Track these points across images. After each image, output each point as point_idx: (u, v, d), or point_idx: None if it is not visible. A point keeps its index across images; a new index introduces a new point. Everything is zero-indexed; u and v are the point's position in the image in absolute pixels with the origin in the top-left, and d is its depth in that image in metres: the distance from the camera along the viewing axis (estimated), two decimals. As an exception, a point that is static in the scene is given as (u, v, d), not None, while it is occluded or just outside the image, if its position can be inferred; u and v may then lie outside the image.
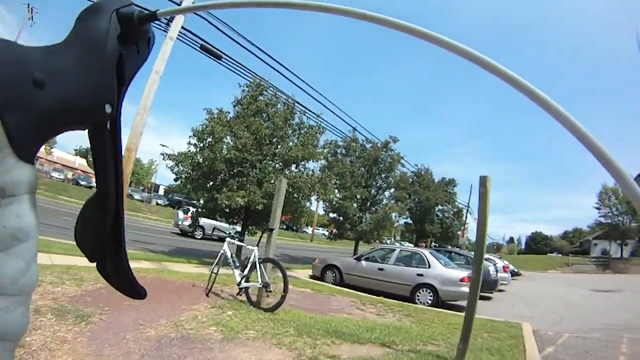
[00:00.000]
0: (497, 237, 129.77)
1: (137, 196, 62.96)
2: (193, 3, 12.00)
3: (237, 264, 9.40)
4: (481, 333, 9.40)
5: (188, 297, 8.66)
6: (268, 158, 16.85)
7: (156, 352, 5.33)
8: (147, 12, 0.71)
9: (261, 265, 8.89)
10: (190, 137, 16.80)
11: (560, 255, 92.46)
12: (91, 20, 0.65)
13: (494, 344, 8.29)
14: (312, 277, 17.83)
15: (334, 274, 17.14)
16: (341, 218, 26.26)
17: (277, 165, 17.25)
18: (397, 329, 8.60)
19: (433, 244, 48.36)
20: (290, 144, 17.41)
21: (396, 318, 10.40)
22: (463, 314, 12.62)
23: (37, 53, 0.56)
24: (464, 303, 14.78)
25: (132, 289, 0.82)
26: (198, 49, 15.46)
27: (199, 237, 28.86)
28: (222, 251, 9.51)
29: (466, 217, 54.07)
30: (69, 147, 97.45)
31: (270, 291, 8.71)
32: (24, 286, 0.53)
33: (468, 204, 55.38)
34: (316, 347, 6.27)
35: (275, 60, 19.56)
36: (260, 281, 8.72)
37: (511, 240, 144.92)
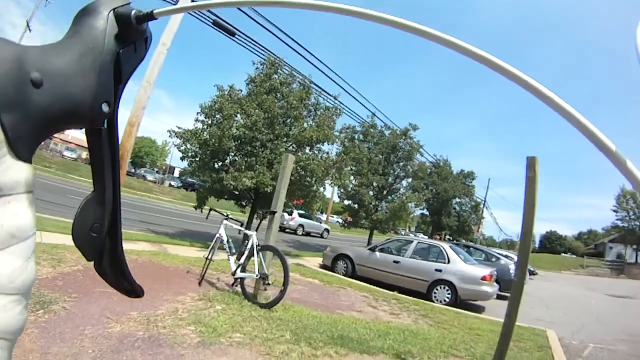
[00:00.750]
0: (512, 234, 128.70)
1: (150, 177, 63.15)
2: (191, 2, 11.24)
3: (234, 251, 8.35)
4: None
5: (177, 286, 7.75)
6: (280, 138, 15.85)
7: (111, 355, 4.37)
8: (144, 11, 0.70)
9: (259, 253, 7.90)
10: (197, 113, 16.04)
11: (574, 256, 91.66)
12: (89, 20, 0.66)
13: (522, 358, 7.33)
14: (323, 266, 16.76)
15: (345, 265, 15.98)
16: (356, 206, 25.34)
17: (290, 146, 16.22)
18: (414, 334, 7.47)
19: (447, 237, 47.28)
20: (305, 125, 16.44)
21: (412, 319, 9.29)
22: (483, 315, 11.87)
23: (34, 52, 0.56)
24: (483, 303, 13.76)
25: (130, 286, 0.82)
26: (210, 24, 14.42)
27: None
28: (217, 235, 8.52)
29: (482, 212, 53.03)
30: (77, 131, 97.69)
31: (269, 283, 7.70)
32: (21, 285, 0.53)
33: (485, 198, 54.79)
34: (314, 361, 5.18)
35: (291, 38, 18.31)
36: (257, 271, 7.71)
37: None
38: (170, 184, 65.02)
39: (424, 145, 27.82)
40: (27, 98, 0.53)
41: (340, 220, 38.66)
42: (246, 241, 8.29)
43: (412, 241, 15.75)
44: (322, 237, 40.37)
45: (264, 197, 15.56)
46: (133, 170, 64.57)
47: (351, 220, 26.30)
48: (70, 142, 72.25)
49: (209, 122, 15.76)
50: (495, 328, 9.20)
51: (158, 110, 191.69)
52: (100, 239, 0.74)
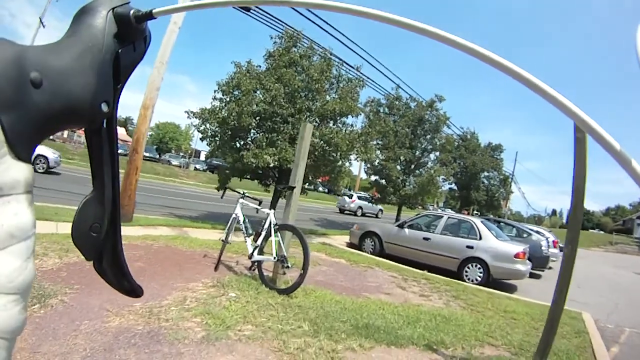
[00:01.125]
0: (539, 209, 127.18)
1: (175, 162, 63.06)
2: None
3: (250, 231, 7.84)
4: (543, 325, 7.74)
5: (190, 272, 7.32)
6: (302, 112, 15.23)
7: (103, 354, 3.93)
8: (143, 11, 0.70)
9: (277, 233, 7.36)
10: (215, 91, 15.50)
11: (602, 232, 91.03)
12: (87, 19, 0.66)
13: (560, 345, 6.65)
14: (350, 244, 16.23)
15: (373, 243, 15.38)
16: (383, 181, 24.77)
17: (313, 120, 15.53)
18: (446, 319, 6.89)
19: (475, 212, 46.50)
20: (328, 97, 15.79)
21: (443, 301, 8.70)
22: (516, 296, 11.17)
23: (33, 52, 0.56)
24: (515, 282, 13.11)
25: (129, 286, 0.81)
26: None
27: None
28: (233, 215, 8.04)
29: (510, 186, 52.11)
30: None
31: (288, 267, 7.11)
32: (20, 284, 0.52)
33: (513, 172, 53.84)
34: (335, 358, 4.63)
35: (310, 10, 17.54)
36: (274, 253, 7.19)
37: (554, 212, 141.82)
38: (195, 167, 64.84)
39: (451, 118, 26.96)
40: (26, 98, 0.53)
41: (368, 197, 38.12)
42: (263, 221, 7.73)
43: (442, 216, 15.03)
44: (377, 217, 41.83)
45: (288, 174, 14.72)
46: (158, 156, 65.28)
47: (379, 196, 25.74)
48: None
49: (227, 99, 15.29)
50: (531, 311, 8.78)
51: (182, 96, 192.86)
52: (100, 238, 0.73)
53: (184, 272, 7.21)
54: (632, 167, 0.53)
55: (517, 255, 12.33)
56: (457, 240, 13.47)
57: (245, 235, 7.75)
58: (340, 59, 17.30)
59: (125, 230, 9.94)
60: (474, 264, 12.65)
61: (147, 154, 55.73)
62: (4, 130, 0.50)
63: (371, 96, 24.75)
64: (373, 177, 25.75)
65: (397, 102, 25.49)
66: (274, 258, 7.17)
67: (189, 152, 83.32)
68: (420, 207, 27.45)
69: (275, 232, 7.34)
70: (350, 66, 17.43)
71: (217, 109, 15.11)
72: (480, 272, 12.45)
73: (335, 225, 24.22)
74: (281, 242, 7.22)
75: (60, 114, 0.58)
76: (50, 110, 0.56)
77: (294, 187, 7.57)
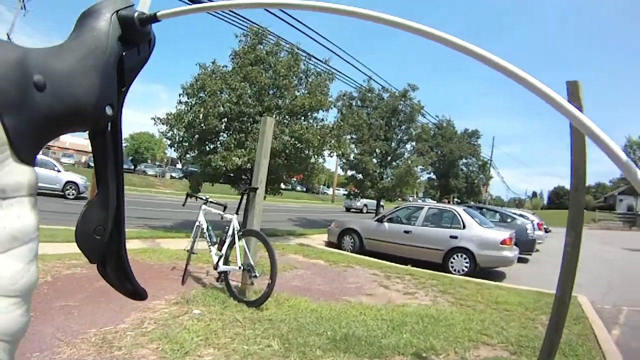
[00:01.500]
0: (519, 192, 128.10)
1: (150, 172, 62.84)
2: None
3: (214, 239, 7.30)
4: (539, 316, 7.34)
5: (155, 288, 6.72)
6: (271, 110, 14.63)
7: None
8: (147, 13, 0.70)
9: (242, 239, 6.79)
10: (180, 95, 14.94)
11: (585, 210, 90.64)
12: (91, 22, 0.66)
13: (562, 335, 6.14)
14: (329, 243, 15.63)
15: (352, 240, 14.77)
16: (360, 175, 24.26)
17: (283, 117, 15.09)
18: (435, 320, 6.32)
19: (455, 199, 46.29)
20: (297, 93, 15.34)
21: (430, 298, 8.14)
22: (505, 284, 10.62)
23: (37, 55, 0.56)
24: (504, 269, 12.64)
25: (133, 289, 0.81)
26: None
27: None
28: (197, 222, 7.48)
29: (489, 171, 52.31)
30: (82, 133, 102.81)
31: (256, 275, 6.51)
32: (23, 287, 0.53)
33: (491, 157, 53.99)
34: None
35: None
36: (240, 263, 6.61)
37: (534, 194, 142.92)
38: (171, 175, 64.49)
39: (425, 107, 26.49)
40: (29, 101, 0.53)
41: (346, 193, 37.66)
42: (227, 227, 7.14)
43: (422, 207, 14.51)
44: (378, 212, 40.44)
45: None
46: (133, 167, 65.34)
47: (356, 191, 25.23)
48: (68, 149, 72.41)
49: (192, 102, 14.74)
50: (524, 300, 8.33)
51: (157, 105, 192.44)
52: (103, 241, 0.72)
53: (148, 288, 6.15)
54: (638, 179, 0.52)
55: (503, 242, 11.90)
56: (440, 231, 12.97)
57: (209, 244, 7.24)
58: (308, 54, 16.82)
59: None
60: (460, 255, 12.16)
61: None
62: (7, 133, 0.50)
63: (343, 90, 24.40)
64: (349, 172, 25.27)
65: (369, 94, 24.99)
66: (240, 267, 6.61)
67: (165, 160, 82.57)
68: (400, 199, 27.07)
69: (239, 238, 6.79)
70: (319, 60, 17.04)
71: (183, 113, 14.48)
72: (467, 262, 11.97)
73: (315, 224, 23.65)
74: (247, 249, 6.66)
75: (63, 116, 0.58)
76: (54, 113, 0.56)
77: (257, 189, 6.99)
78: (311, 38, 19.48)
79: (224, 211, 7.29)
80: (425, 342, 5.31)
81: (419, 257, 12.77)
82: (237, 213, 7.24)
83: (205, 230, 7.34)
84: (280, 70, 14.70)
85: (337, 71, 17.75)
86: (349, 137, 21.62)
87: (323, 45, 19.39)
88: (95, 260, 0.74)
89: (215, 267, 6.86)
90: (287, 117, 15.11)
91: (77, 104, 0.59)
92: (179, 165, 76.42)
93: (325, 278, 9.18)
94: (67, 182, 24.23)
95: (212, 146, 15.11)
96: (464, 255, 12.06)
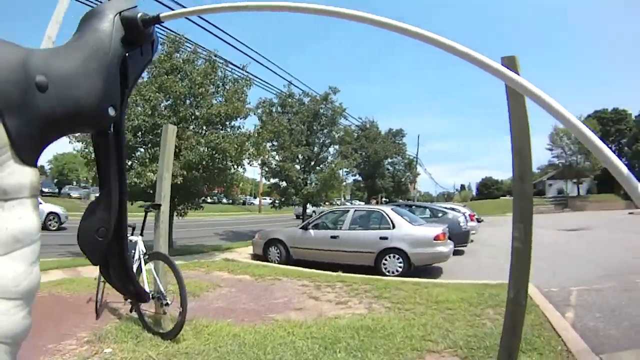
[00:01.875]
0: (447, 186, 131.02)
1: (75, 194, 60.14)
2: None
3: None
4: (485, 310, 6.88)
5: (68, 324, 6.12)
6: (186, 121, 14.05)
7: None
8: (150, 15, 0.70)
9: (149, 264, 6.02)
10: None
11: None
12: (94, 23, 0.66)
13: None
14: (255, 256, 14.79)
15: (278, 251, 13.94)
16: (284, 183, 23.63)
17: (200, 127, 14.47)
18: (372, 331, 5.69)
19: (384, 199, 46.39)
20: (214, 101, 14.66)
21: (364, 305, 7.51)
22: (443, 280, 10.07)
23: (39, 56, 0.56)
24: (441, 264, 12.16)
25: (135, 290, 0.82)
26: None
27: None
28: None
29: (416, 169, 52.90)
30: None
31: (167, 303, 5.71)
32: (25, 289, 0.53)
33: (417, 155, 54.18)
34: None
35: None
36: (147, 290, 5.65)
37: (463, 187, 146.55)
38: (96, 196, 61.84)
39: (347, 109, 26.19)
40: (32, 102, 0.53)
41: (269, 201, 36.67)
42: (132, 250, 6.24)
43: (348, 210, 13.86)
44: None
45: (183, 190, 13.89)
46: (57, 190, 62.53)
47: (281, 199, 24.40)
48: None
49: None
50: (466, 295, 7.85)
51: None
52: (106, 242, 0.73)
53: (60, 326, 6.01)
54: (638, 192, 0.53)
55: (436, 238, 11.46)
56: (368, 233, 12.42)
57: None
58: (226, 60, 16.35)
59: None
60: (392, 255, 11.59)
61: (45, 189, 55.94)
62: (9, 134, 0.50)
63: (263, 97, 23.79)
64: (273, 180, 24.60)
65: (290, 100, 24.52)
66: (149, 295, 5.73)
67: (91, 181, 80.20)
68: (327, 203, 26.60)
69: (145, 262, 6.00)
70: (236, 66, 16.56)
71: None
72: (400, 263, 11.42)
73: (242, 236, 22.77)
74: (155, 274, 5.90)
75: (66, 118, 0.58)
76: (56, 114, 0.56)
77: (160, 205, 6.22)
78: (229, 44, 19.13)
79: (132, 233, 6.50)
80: (363, 358, 4.69)
81: (349, 261, 12.18)
82: (141, 234, 6.43)
83: None
84: (197, 79, 14.05)
85: (257, 77, 17.33)
86: (269, 144, 21.23)
87: (242, 52, 18.82)
88: (98, 262, 0.74)
89: (125, 297, 5.96)
90: (204, 127, 14.47)
91: (79, 105, 0.59)
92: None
93: (251, 295, 8.49)
94: (49, 213, 23.40)
95: (128, 162, 14.05)
96: (397, 256, 11.52)
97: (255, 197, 78.16)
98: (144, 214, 6.69)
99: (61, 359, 4.89)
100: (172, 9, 0.80)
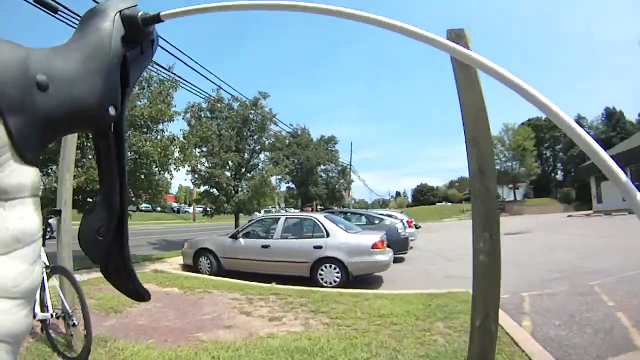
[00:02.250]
0: (382, 193, 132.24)
1: None
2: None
3: None
4: (434, 324, 6.32)
5: None
6: None
7: None
8: (151, 14, 0.70)
9: (52, 278, 5.36)
10: None
11: (451, 203, 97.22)
12: (95, 22, 0.66)
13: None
14: (185, 267, 13.95)
15: (208, 261, 13.14)
16: (214, 190, 22.95)
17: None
18: (308, 354, 5.06)
19: (319, 206, 46.04)
20: (138, 103, 13.85)
21: (300, 321, 6.86)
22: (384, 290, 9.37)
23: (40, 55, 0.57)
24: (380, 273, 11.61)
25: (135, 290, 0.82)
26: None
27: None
28: None
29: (350, 176, 52.80)
30: None
31: (74, 324, 5.02)
32: (26, 289, 0.53)
33: (350, 162, 54.21)
34: None
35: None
36: (49, 309, 5.18)
37: (398, 194, 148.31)
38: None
39: (278, 114, 26.02)
40: (32, 101, 0.53)
41: (201, 209, 35.47)
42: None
43: (279, 218, 13.12)
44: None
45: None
46: None
47: (213, 207, 23.52)
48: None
49: None
50: (411, 307, 7.26)
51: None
52: (106, 242, 0.74)
53: None
54: (637, 202, 0.53)
55: (374, 246, 10.92)
56: (301, 242, 11.80)
57: None
58: (152, 60, 15.19)
59: None
60: (328, 265, 11.00)
61: None
62: (10, 134, 0.50)
63: (191, 101, 23.06)
64: (203, 188, 23.79)
65: (219, 104, 23.84)
66: (52, 315, 5.14)
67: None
68: (261, 211, 25.95)
69: (48, 277, 5.31)
70: (162, 67, 15.84)
71: None
72: (337, 273, 10.84)
73: (174, 245, 21.77)
74: (59, 290, 5.21)
75: (66, 117, 0.58)
76: (57, 113, 0.56)
77: (60, 211, 5.53)
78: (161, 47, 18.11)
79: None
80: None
81: (283, 272, 11.56)
82: (43, 245, 5.61)
83: None
84: None
85: (185, 81, 16.62)
86: (198, 150, 20.95)
87: (169, 52, 18.00)
88: (99, 261, 0.75)
89: (33, 316, 5.20)
90: (127, 130, 13.23)
91: (80, 104, 0.59)
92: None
93: (178, 310, 7.78)
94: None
95: (49, 169, 13.27)
96: (334, 265, 10.94)
97: (189, 205, 76.64)
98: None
99: None
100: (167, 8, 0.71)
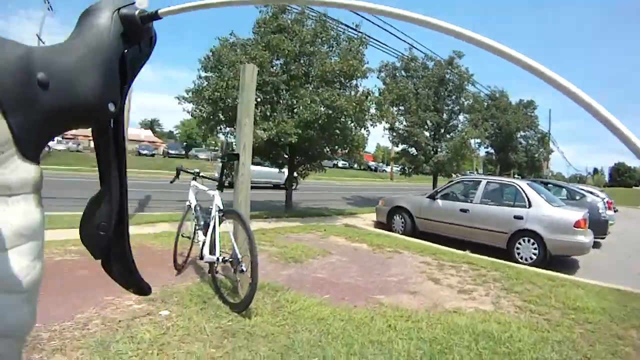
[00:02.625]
0: (580, 169, 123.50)
1: (202, 156, 62.71)
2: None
3: (202, 222, 5.71)
4: (629, 332, 5.24)
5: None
6: (298, 79, 13.27)
7: None
8: (148, 11, 0.70)
9: (224, 223, 5.37)
10: (198, 69, 13.76)
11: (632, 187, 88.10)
12: (93, 20, 0.66)
13: None
14: (378, 224, 13.73)
15: (402, 220, 12.81)
16: (413, 149, 22.40)
17: (314, 87, 13.48)
18: (494, 341, 4.39)
19: (515, 175, 43.66)
20: (328, 60, 13.68)
21: (491, 299, 6.16)
22: (580, 278, 8.13)
23: (40, 53, 0.57)
24: (580, 258, 10.35)
25: (136, 284, 0.84)
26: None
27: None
28: (187, 201, 6.17)
29: (549, 144, 49.12)
30: (135, 123, 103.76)
31: (243, 270, 4.83)
32: (29, 284, 0.53)
33: (549, 130, 50.78)
34: None
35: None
36: (217, 252, 5.11)
37: (595, 171, 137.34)
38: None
39: (475, 76, 24.56)
40: (33, 99, 0.53)
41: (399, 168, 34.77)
42: (210, 207, 5.61)
43: (480, 181, 12.09)
44: None
45: (301, 151, 13.74)
46: (184, 153, 66.69)
47: (410, 166, 23.01)
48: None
49: (211, 76, 13.52)
50: (607, 304, 6.21)
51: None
52: (107, 237, 0.75)
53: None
54: None
55: (577, 224, 9.60)
56: (501, 210, 10.79)
57: (197, 227, 5.77)
58: (338, 21, 15.33)
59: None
60: (526, 239, 10.00)
61: (173, 152, 63.50)
62: (12, 131, 0.50)
63: (385, 60, 23.02)
64: (401, 146, 23.33)
65: (412, 63, 23.07)
66: (218, 259, 5.10)
67: (221, 144, 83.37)
68: (458, 174, 25.02)
69: (220, 221, 5.34)
70: (348, 26, 15.45)
71: (202, 88, 13.27)
72: (535, 249, 9.81)
73: (368, 202, 21.85)
74: (231, 235, 5.18)
75: (67, 114, 0.58)
76: (58, 110, 0.56)
77: (238, 155, 5.39)
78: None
79: (220, 188, 5.70)
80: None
81: (479, 240, 10.80)
82: (218, 188, 5.63)
83: (193, 211, 5.97)
84: (306, 37, 13.35)
85: (374, 39, 16.17)
86: (395, 108, 20.62)
87: (356, 13, 17.72)
88: (100, 256, 0.76)
89: (201, 257, 5.34)
90: (322, 85, 13.46)
91: (80, 101, 0.59)
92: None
93: (363, 268, 7.45)
94: None
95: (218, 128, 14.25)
96: (532, 240, 9.89)
97: (387, 165, 76.69)
98: (221, 165, 6.01)
99: (108, 314, 4.41)
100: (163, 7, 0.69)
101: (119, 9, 0.66)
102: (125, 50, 0.67)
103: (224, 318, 4.43)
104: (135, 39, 0.69)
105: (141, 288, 0.83)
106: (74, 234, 8.02)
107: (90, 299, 4.73)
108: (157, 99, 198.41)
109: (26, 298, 0.52)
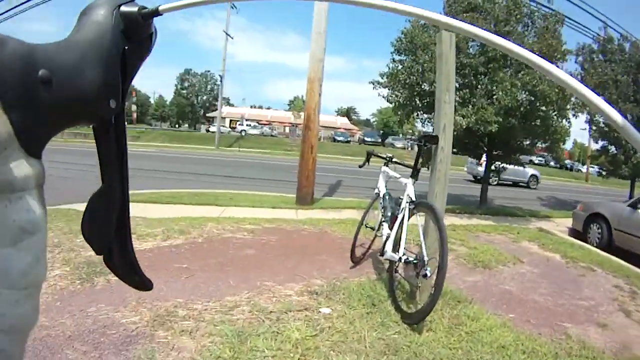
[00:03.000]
0: None
1: (398, 144, 63.24)
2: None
3: (388, 213, 5.25)
4: None
5: (308, 266, 5.78)
6: (496, 61, 12.33)
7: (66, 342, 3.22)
8: (149, 8, 0.71)
9: (414, 216, 4.80)
10: (391, 52, 13.45)
11: None
12: (94, 17, 0.67)
13: None
14: (572, 231, 12.24)
15: (599, 230, 10.81)
16: (613, 148, 19.43)
17: (509, 71, 12.52)
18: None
19: None
20: (525, 40, 12.83)
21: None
22: None
23: (42, 50, 0.58)
24: None
25: (139, 280, 0.84)
26: None
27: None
28: (376, 189, 5.87)
29: None
30: (331, 110, 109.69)
31: (426, 275, 4.19)
32: (33, 280, 0.55)
33: None
34: None
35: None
36: (401, 251, 4.54)
37: None
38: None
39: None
40: (36, 95, 0.54)
41: (596, 169, 30.75)
42: (400, 197, 5.13)
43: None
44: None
45: (499, 141, 13.13)
46: (380, 140, 68.34)
47: (610, 168, 19.98)
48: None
49: (405, 59, 13.13)
50: None
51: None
52: (109, 233, 0.76)
53: (301, 266, 5.74)
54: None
55: None
56: None
57: (383, 218, 5.33)
58: None
59: (298, 214, 9.77)
60: None
61: (368, 139, 65.47)
62: (14, 127, 0.51)
63: (581, 42, 20.11)
64: (599, 143, 20.70)
65: (609, 45, 19.81)
66: (400, 259, 4.55)
67: (419, 133, 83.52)
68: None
69: (410, 214, 4.77)
70: (541, 4, 14.43)
71: (397, 71, 12.98)
72: None
73: (564, 205, 19.99)
74: (421, 232, 4.54)
75: (69, 110, 0.60)
76: (60, 107, 0.58)
77: (436, 138, 4.87)
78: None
79: (414, 175, 5.23)
80: None
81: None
82: (412, 176, 5.15)
83: (381, 200, 5.58)
84: (499, 15, 12.62)
85: (568, 18, 14.95)
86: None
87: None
88: (102, 252, 0.75)
89: (382, 253, 4.87)
90: (520, 69, 12.46)
91: (82, 97, 0.60)
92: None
93: (554, 284, 6.53)
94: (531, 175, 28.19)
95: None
96: None
97: (583, 164, 70.60)
98: (417, 150, 5.45)
99: (261, 302, 4.37)
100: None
101: (119, 5, 0.66)
102: (126, 47, 0.67)
103: (390, 328, 4.06)
104: (136, 36, 0.69)
105: (143, 283, 0.82)
106: (254, 212, 9.04)
107: (248, 282, 4.78)
108: (353, 88, 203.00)
109: (30, 294, 0.52)
